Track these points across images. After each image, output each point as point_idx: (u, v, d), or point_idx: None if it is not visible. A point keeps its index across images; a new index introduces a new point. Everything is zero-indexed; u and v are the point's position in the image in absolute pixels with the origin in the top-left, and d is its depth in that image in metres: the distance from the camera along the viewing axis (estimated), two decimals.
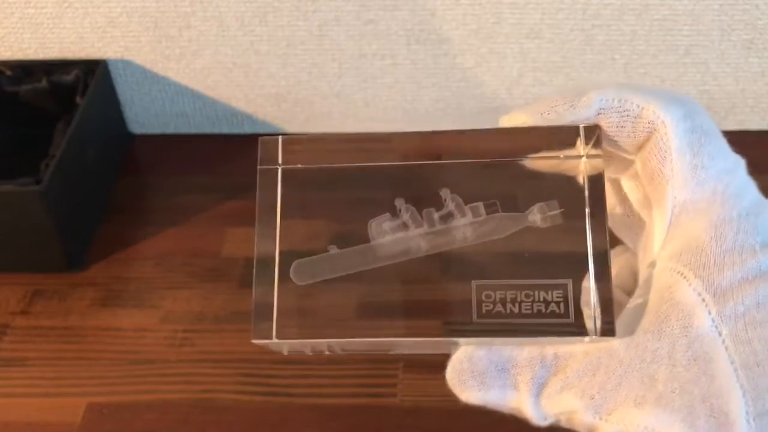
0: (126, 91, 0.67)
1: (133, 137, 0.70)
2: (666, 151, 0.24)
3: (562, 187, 0.25)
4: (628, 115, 0.24)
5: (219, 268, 0.56)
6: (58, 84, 0.62)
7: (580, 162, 0.25)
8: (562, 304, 0.24)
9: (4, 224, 0.53)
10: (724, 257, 0.23)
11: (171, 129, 0.70)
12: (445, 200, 0.26)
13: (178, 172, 0.65)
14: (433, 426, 0.46)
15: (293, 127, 0.69)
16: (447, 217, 0.26)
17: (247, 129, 0.69)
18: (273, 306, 0.27)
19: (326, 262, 0.27)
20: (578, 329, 0.24)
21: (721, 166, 0.24)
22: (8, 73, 0.63)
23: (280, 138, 0.27)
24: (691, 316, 0.23)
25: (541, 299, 0.25)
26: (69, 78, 0.62)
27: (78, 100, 0.60)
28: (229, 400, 0.48)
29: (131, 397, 0.48)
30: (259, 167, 0.28)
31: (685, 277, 0.23)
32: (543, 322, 0.24)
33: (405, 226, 0.27)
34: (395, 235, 0.27)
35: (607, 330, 0.23)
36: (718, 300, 0.23)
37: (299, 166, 0.27)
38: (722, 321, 0.22)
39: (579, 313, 0.24)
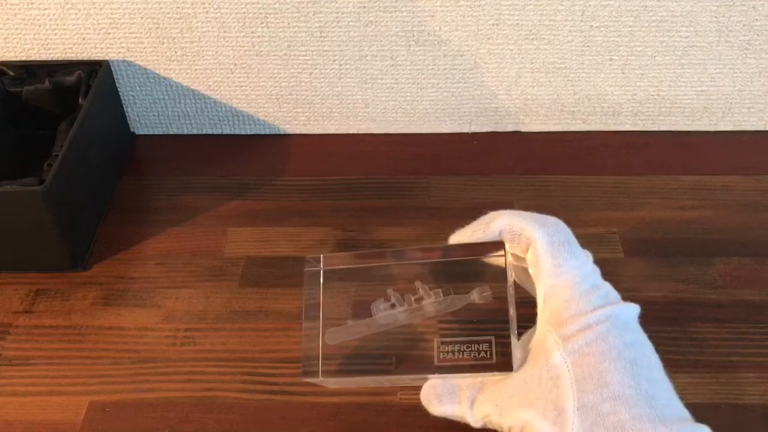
0: (128, 92, 0.68)
1: (135, 137, 0.70)
2: (537, 255, 0.39)
3: (492, 277, 0.41)
4: (514, 233, 0.40)
5: (221, 267, 0.57)
6: (61, 85, 0.63)
7: (500, 261, 0.41)
8: (488, 352, 0.40)
9: (7, 224, 0.53)
10: (569, 319, 0.37)
11: (173, 129, 0.70)
12: (418, 288, 0.43)
13: (180, 172, 0.66)
14: (431, 424, 0.46)
15: (294, 127, 0.70)
16: (419, 299, 0.43)
17: (249, 129, 0.70)
18: (319, 357, 0.42)
19: (346, 330, 0.43)
20: (498, 367, 0.40)
21: (572, 264, 0.39)
22: (11, 73, 0.64)
23: (321, 255, 0.44)
24: (550, 353, 0.37)
25: (476, 349, 0.40)
26: (71, 79, 0.62)
27: (80, 100, 0.60)
28: (230, 398, 0.48)
29: (133, 395, 0.48)
30: (306, 269, 0.44)
31: (550, 332, 0.38)
32: (477, 363, 0.40)
33: (394, 306, 0.43)
34: (387, 312, 0.43)
35: (512, 367, 0.39)
36: (564, 343, 0.37)
37: (333, 267, 0.44)
38: (566, 354, 0.36)
39: (498, 357, 0.40)
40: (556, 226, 0.40)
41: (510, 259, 0.41)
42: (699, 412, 0.36)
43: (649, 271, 0.55)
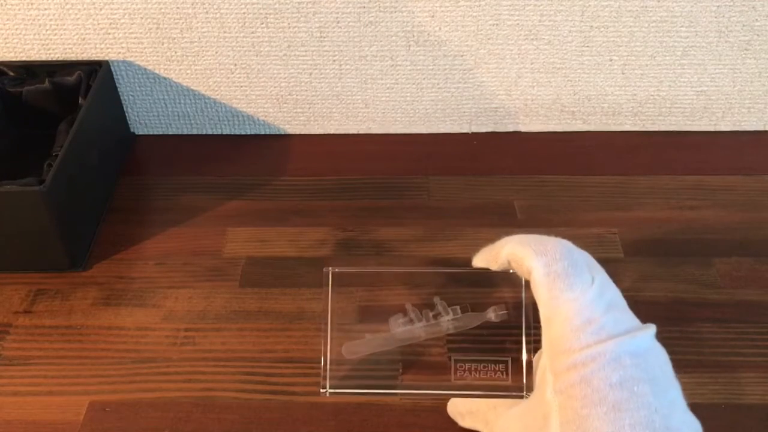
0: (128, 92, 0.68)
1: (135, 138, 0.70)
2: (535, 284, 0.38)
3: (507, 297, 0.43)
4: (518, 263, 0.40)
5: (220, 267, 0.57)
6: (61, 85, 0.63)
7: (516, 285, 0.43)
8: (504, 373, 0.42)
9: (8, 224, 0.53)
10: (559, 355, 0.36)
11: (173, 129, 0.70)
12: (436, 304, 0.44)
13: (179, 172, 0.66)
14: (432, 423, 0.46)
15: (294, 127, 0.70)
16: (437, 315, 0.43)
17: (249, 130, 0.70)
18: (327, 368, 0.44)
19: (364, 344, 0.44)
20: (513, 389, 0.41)
21: (566, 297, 0.37)
22: (11, 74, 0.64)
23: (330, 269, 0.45)
24: (546, 387, 0.37)
25: (492, 369, 0.42)
26: (71, 79, 0.62)
27: (80, 100, 0.60)
28: (230, 398, 0.48)
29: (133, 395, 0.49)
30: (323, 269, 0.45)
31: (547, 364, 0.37)
32: (492, 383, 0.42)
33: (411, 321, 0.44)
34: (405, 327, 0.44)
35: (523, 393, 0.41)
36: (555, 380, 0.36)
37: (345, 270, 0.45)
38: (555, 393, 0.36)
39: (514, 378, 0.41)
40: (555, 254, 0.38)
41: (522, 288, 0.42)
42: (699, 412, 0.36)
43: (649, 271, 0.55)
